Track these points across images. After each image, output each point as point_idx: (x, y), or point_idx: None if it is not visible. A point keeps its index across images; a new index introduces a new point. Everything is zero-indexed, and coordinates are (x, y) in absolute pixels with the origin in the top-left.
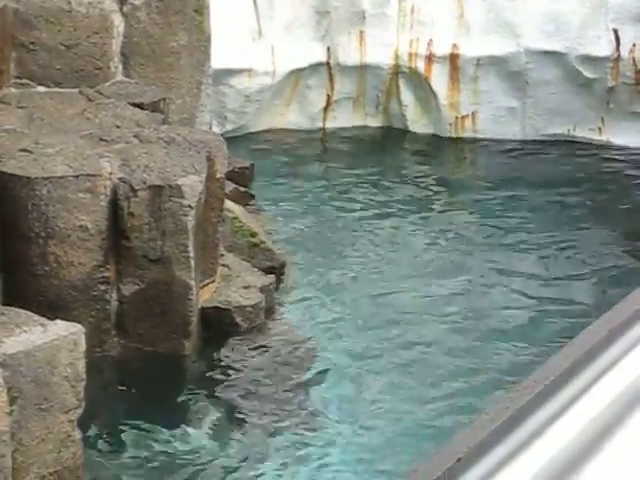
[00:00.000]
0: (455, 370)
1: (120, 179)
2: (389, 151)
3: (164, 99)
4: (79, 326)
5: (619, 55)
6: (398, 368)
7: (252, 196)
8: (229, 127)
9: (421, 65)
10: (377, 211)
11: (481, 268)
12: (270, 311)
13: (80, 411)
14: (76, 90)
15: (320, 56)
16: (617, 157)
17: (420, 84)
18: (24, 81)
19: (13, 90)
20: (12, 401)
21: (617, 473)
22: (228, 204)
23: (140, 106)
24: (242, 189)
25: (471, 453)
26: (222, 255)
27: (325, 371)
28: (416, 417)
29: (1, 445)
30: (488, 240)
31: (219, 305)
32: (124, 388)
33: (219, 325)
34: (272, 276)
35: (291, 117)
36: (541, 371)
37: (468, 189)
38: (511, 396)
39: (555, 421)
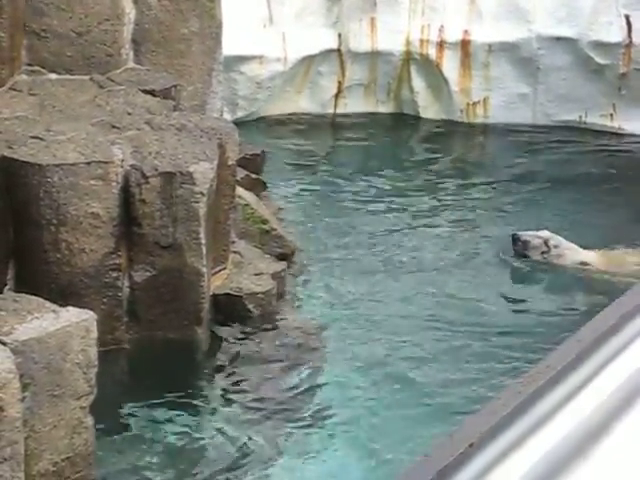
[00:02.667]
0: (473, 357)
1: (132, 166)
2: (400, 137)
3: (175, 86)
4: (91, 313)
5: (631, 41)
6: (410, 356)
7: (263, 183)
8: (240, 114)
9: (432, 51)
10: (389, 197)
11: (493, 252)
12: (281, 298)
13: (92, 397)
14: (87, 77)
15: (331, 43)
16: (628, 143)
17: (431, 70)
18: (35, 68)
19: (24, 77)
20: (24, 388)
21: (625, 458)
22: (239, 191)
23: (151, 93)
24: (253, 176)
25: (483, 438)
26: (233, 242)
27: (335, 358)
28: (428, 406)
29: (14, 432)
30: (500, 225)
31: (231, 292)
32: (135, 375)
33: (231, 312)
34: (283, 263)
35: (302, 104)
36: (553, 356)
37: (479, 175)
38: (523, 381)
39: (565, 406)
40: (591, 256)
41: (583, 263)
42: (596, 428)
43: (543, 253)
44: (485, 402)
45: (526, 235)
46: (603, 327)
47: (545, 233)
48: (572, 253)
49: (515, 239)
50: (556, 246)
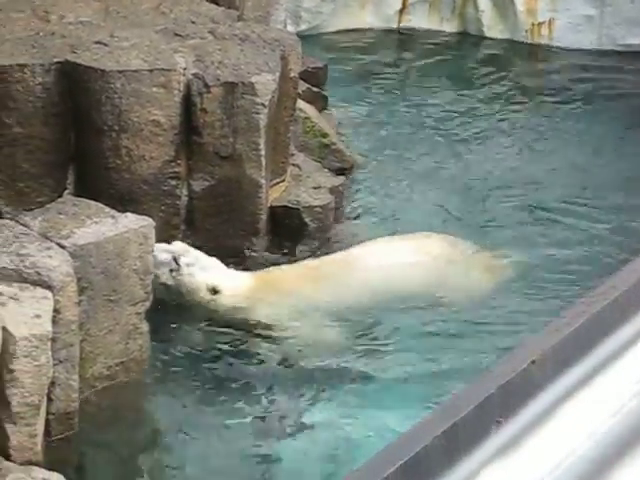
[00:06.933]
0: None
1: (194, 75)
2: (464, 56)
3: None
4: (149, 220)
5: None
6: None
7: (324, 97)
8: (303, 26)
9: None
10: (450, 116)
11: (551, 176)
12: (339, 213)
13: (148, 304)
14: None
15: None
16: None
17: None
18: None
19: None
20: (81, 291)
21: None
22: (300, 104)
23: (216, 2)
24: (315, 89)
25: (545, 355)
26: (293, 155)
27: None
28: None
29: (69, 334)
30: (561, 148)
31: (288, 204)
32: None
33: (287, 224)
34: (342, 177)
35: (366, 18)
36: (619, 276)
37: (539, 97)
38: (586, 301)
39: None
40: (231, 281)
41: (214, 290)
42: None
43: (172, 271)
44: None
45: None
46: None
47: (177, 246)
48: (206, 275)
49: None
50: (189, 264)
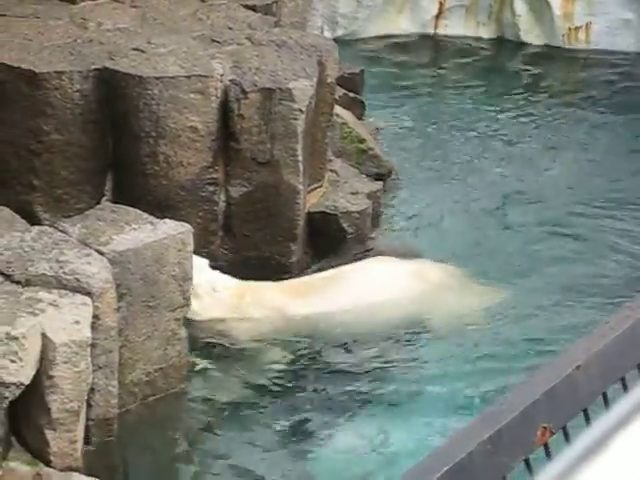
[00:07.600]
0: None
1: (231, 81)
2: (501, 60)
3: (277, 2)
4: (188, 226)
5: None
6: (506, 288)
7: (362, 102)
8: (340, 32)
9: None
10: (488, 121)
11: (588, 177)
12: (376, 218)
13: (187, 310)
14: None
15: None
16: None
17: None
18: None
19: None
20: (120, 297)
21: None
22: (337, 109)
23: (253, 8)
24: (352, 95)
25: (590, 360)
26: (330, 160)
27: None
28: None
29: (109, 340)
30: (598, 152)
31: (326, 210)
32: None
33: (325, 230)
34: (380, 183)
35: (402, 23)
36: None
37: (579, 101)
38: (631, 305)
39: None
40: (212, 284)
41: None
42: None
43: None
44: None
45: None
46: None
47: None
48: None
49: None
50: None
